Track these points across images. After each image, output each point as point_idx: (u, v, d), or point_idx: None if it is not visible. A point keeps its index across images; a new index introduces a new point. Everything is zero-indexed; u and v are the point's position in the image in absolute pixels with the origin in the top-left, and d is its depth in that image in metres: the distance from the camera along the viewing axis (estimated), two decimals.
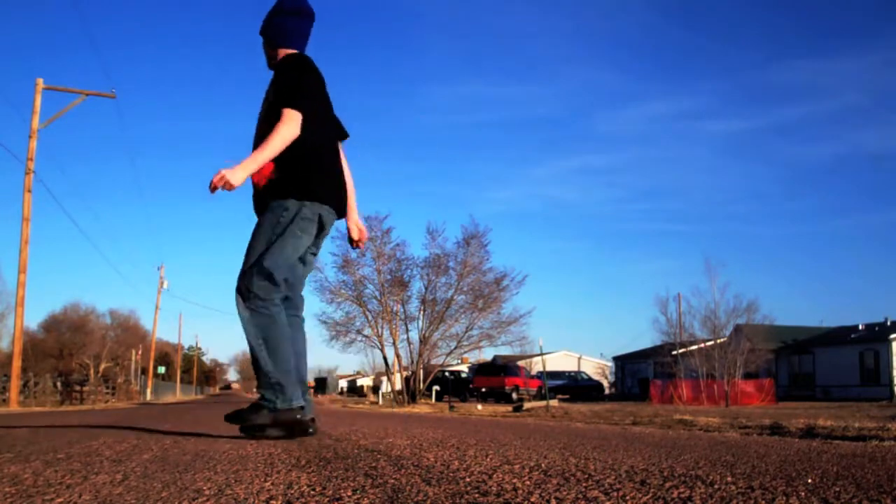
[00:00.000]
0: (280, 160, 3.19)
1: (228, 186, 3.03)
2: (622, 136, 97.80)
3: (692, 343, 33.04)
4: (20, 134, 41.04)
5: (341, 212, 3.45)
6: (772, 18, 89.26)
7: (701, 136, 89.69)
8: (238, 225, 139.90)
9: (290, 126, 3.14)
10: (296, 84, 3.23)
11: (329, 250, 24.46)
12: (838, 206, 79.38)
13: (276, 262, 3.17)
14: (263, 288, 3.17)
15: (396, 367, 26.17)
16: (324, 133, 3.37)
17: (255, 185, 3.32)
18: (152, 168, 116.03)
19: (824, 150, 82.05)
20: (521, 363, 39.30)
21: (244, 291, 3.19)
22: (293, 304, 3.40)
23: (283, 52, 3.44)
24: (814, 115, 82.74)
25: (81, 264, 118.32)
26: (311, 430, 3.28)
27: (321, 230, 3.35)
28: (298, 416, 3.21)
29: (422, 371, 24.96)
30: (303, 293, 3.51)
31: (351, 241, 3.75)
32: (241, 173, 3.06)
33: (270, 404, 3.17)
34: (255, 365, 3.22)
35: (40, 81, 21.15)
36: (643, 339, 77.64)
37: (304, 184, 3.23)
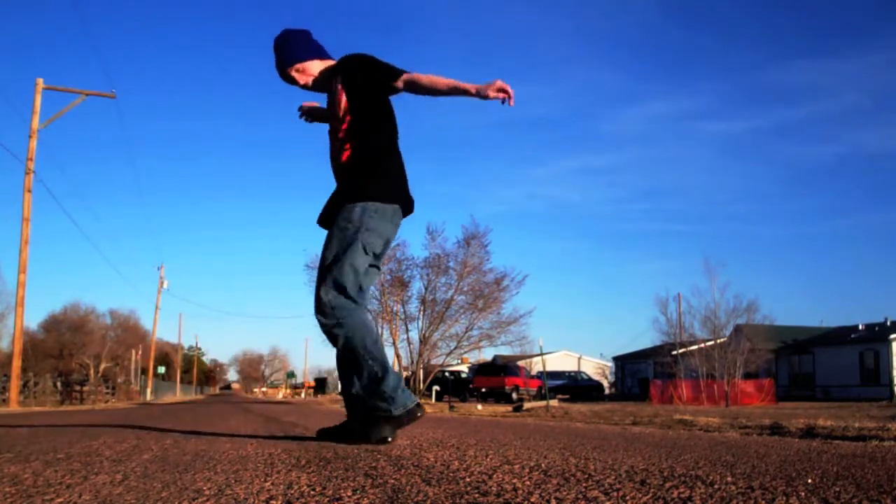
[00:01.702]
0: (358, 160, 3.13)
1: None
2: (623, 137, 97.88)
3: (692, 343, 33.04)
4: (20, 134, 41.00)
5: (409, 209, 3.31)
6: (772, 18, 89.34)
7: (701, 137, 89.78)
8: (238, 225, 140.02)
9: (429, 76, 3.05)
10: (380, 62, 3.14)
11: None
12: (838, 206, 79.48)
13: (354, 267, 3.05)
14: (341, 298, 3.04)
15: (396, 368, 26.17)
16: (393, 127, 3.27)
17: (339, 163, 3.22)
18: (152, 168, 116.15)
19: (824, 151, 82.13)
20: (521, 363, 39.29)
21: (326, 304, 3.03)
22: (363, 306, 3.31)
23: (322, 63, 3.32)
24: (814, 116, 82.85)
25: (81, 264, 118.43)
26: (419, 414, 3.10)
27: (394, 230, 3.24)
28: (419, 414, 3.07)
29: (422, 371, 24.97)
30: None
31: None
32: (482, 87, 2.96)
33: (387, 414, 3.01)
34: (363, 377, 3.04)
35: (40, 81, 21.16)
36: (643, 339, 77.66)
37: (382, 185, 3.12)
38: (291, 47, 3.31)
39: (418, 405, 3.07)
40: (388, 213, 3.13)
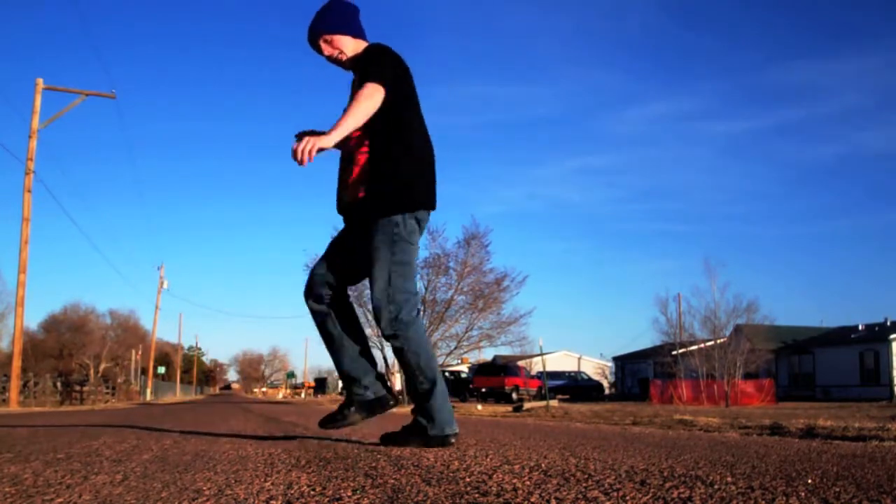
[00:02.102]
0: (385, 169, 3.03)
1: (314, 152, 2.81)
2: (623, 137, 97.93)
3: (692, 343, 33.04)
4: (20, 134, 41.03)
5: (434, 205, 3.23)
6: (773, 19, 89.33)
7: (702, 137, 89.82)
8: (238, 225, 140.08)
9: (374, 97, 2.92)
10: (379, 62, 3.04)
11: None
12: (838, 206, 79.46)
13: (404, 287, 3.04)
14: (399, 316, 3.02)
15: (396, 368, 26.17)
16: (423, 128, 3.18)
17: (347, 189, 3.15)
18: (152, 168, 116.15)
19: (825, 151, 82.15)
20: (521, 363, 39.28)
21: (388, 327, 3.02)
22: None
23: (355, 42, 3.21)
24: (815, 116, 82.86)
25: (81, 264, 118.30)
26: (452, 441, 3.09)
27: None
28: (452, 442, 3.06)
29: None
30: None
31: None
32: (332, 138, 2.85)
33: (422, 430, 3.03)
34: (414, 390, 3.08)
35: (40, 81, 21.16)
36: (643, 339, 77.70)
37: (414, 194, 3.06)
38: (330, 16, 3.20)
39: (454, 434, 3.07)
40: (422, 220, 3.11)
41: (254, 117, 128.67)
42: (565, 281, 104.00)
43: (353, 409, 3.17)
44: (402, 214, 3.01)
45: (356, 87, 3.12)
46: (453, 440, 3.06)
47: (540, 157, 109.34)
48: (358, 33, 3.22)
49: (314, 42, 3.20)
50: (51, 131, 29.38)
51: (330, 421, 3.21)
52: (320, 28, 3.17)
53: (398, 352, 3.05)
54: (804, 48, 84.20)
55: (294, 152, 2.81)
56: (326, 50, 3.18)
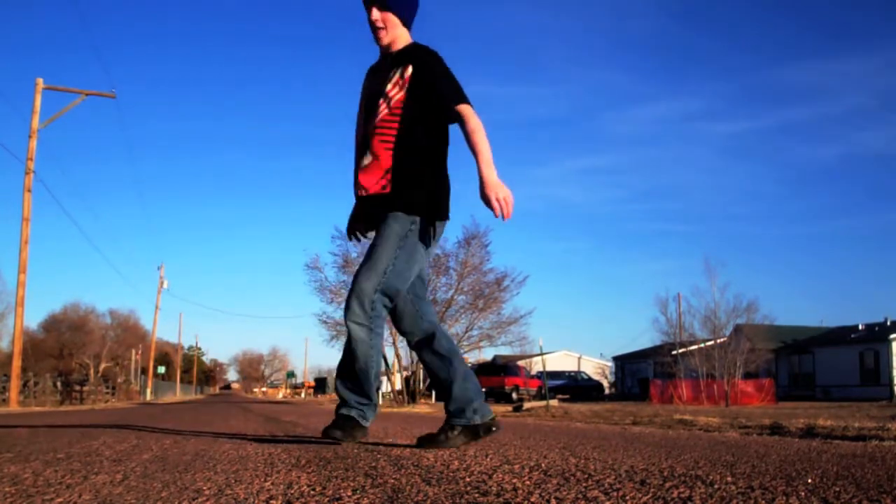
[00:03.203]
0: (410, 171, 2.99)
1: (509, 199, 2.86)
2: (625, 137, 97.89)
3: (692, 343, 33.04)
4: (20, 134, 41.02)
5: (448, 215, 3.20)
6: (774, 20, 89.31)
7: (703, 137, 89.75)
8: (238, 225, 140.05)
9: (480, 121, 2.92)
10: (452, 78, 3.00)
11: (329, 250, 24.43)
12: (839, 206, 79.43)
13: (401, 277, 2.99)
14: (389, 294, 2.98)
15: (396, 368, 26.17)
16: (445, 140, 3.15)
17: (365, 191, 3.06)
18: (152, 168, 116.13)
19: (825, 151, 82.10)
20: (521, 363, 39.28)
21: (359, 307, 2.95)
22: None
23: (401, 29, 3.10)
24: (816, 116, 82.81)
25: (81, 264, 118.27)
26: (494, 429, 3.07)
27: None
28: (493, 430, 3.06)
29: (422, 371, 24.93)
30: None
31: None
32: (494, 174, 2.86)
33: (463, 421, 3.01)
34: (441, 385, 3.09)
35: (40, 81, 21.16)
36: (643, 339, 77.68)
37: (434, 202, 3.03)
38: (415, 5, 3.17)
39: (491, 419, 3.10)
40: (441, 228, 3.10)
41: (254, 117, 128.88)
42: (565, 281, 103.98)
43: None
44: (422, 217, 2.96)
45: (387, 81, 3.03)
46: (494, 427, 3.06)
47: (541, 157, 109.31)
48: (407, 22, 3.13)
49: (369, 3, 3.09)
50: (51, 131, 29.38)
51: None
52: (384, 3, 3.06)
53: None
54: (805, 49, 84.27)
55: (494, 208, 2.83)
56: (374, 15, 3.06)
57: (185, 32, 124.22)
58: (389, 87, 3.01)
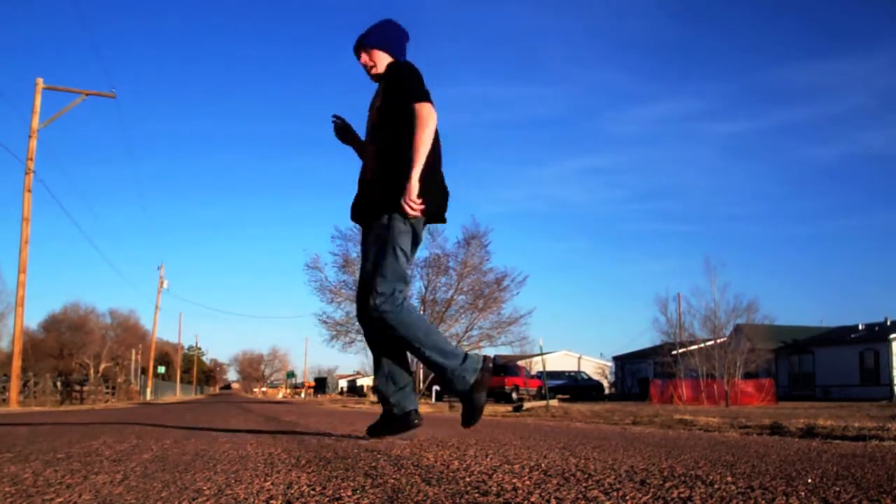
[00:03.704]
0: (385, 168, 3.25)
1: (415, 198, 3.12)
2: (625, 137, 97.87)
3: (692, 343, 33.03)
4: (20, 134, 40.97)
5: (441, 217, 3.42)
6: (776, 19, 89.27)
7: (703, 137, 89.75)
8: (238, 225, 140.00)
9: (431, 116, 3.16)
10: (414, 80, 3.26)
11: (329, 250, 24.42)
12: (839, 206, 79.49)
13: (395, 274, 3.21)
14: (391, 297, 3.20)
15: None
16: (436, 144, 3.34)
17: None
18: (152, 168, 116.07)
19: (826, 151, 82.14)
20: (521, 363, 39.28)
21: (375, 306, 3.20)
22: None
23: (388, 58, 3.47)
24: (817, 117, 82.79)
25: (81, 264, 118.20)
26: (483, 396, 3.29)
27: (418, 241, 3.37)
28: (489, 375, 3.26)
29: (422, 371, 24.94)
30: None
31: None
32: (414, 175, 3.11)
33: (467, 375, 3.19)
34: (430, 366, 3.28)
35: (40, 81, 21.15)
36: (643, 339, 77.56)
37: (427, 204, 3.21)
38: (378, 32, 3.50)
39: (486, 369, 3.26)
40: (420, 224, 3.27)
41: (254, 117, 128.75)
42: (565, 281, 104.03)
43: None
44: (403, 216, 3.17)
45: (378, 97, 3.41)
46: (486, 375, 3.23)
47: (541, 157, 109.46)
48: (397, 55, 3.50)
49: (357, 49, 3.52)
50: (51, 131, 29.38)
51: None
52: (366, 41, 3.49)
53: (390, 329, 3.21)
54: (806, 48, 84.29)
55: (404, 209, 3.13)
56: (363, 59, 3.49)
57: (185, 32, 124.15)
58: (376, 99, 3.42)
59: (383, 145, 3.28)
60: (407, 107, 3.19)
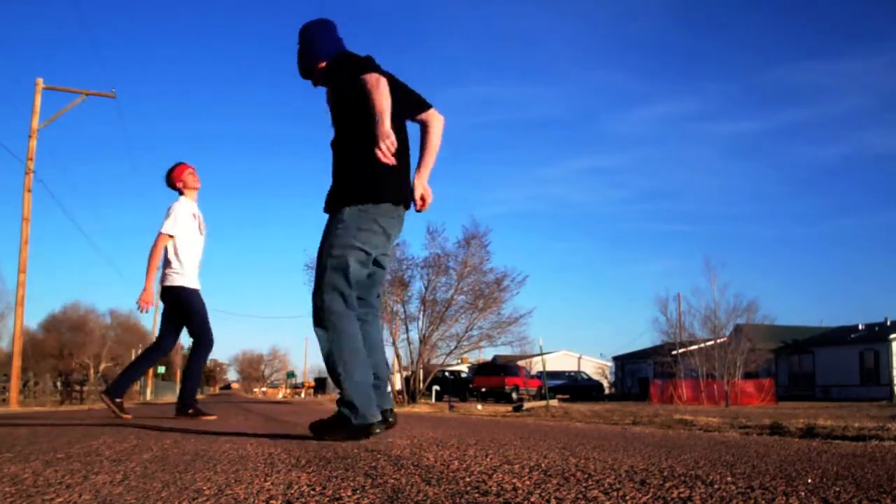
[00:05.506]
0: (342, 161, 3.31)
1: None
2: (627, 137, 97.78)
3: (692, 343, 33.05)
4: (20, 134, 41.02)
5: (407, 202, 3.37)
6: (777, 19, 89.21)
7: (704, 137, 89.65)
8: (238, 225, 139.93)
9: (380, 80, 3.07)
10: (353, 58, 3.25)
11: None
12: (839, 206, 79.47)
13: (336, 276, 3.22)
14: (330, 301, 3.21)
15: (396, 367, 26.14)
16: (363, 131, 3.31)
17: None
18: (152, 168, 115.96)
19: (827, 152, 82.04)
20: (521, 363, 39.26)
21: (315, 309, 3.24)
22: (368, 303, 3.53)
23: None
24: (818, 117, 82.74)
25: (81, 264, 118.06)
26: (377, 431, 3.23)
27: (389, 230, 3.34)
28: (377, 431, 3.20)
29: (422, 371, 24.92)
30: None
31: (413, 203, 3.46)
32: (385, 129, 3.03)
33: (346, 420, 3.20)
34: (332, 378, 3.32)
35: (40, 81, 21.12)
36: (643, 339, 77.76)
37: (364, 187, 3.23)
38: (308, 49, 3.48)
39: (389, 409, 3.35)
40: (380, 211, 3.22)
41: (254, 117, 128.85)
42: (565, 281, 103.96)
43: None
44: (361, 204, 3.19)
45: (331, 96, 3.38)
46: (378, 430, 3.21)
47: (542, 157, 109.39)
48: (332, 51, 3.44)
49: (310, 78, 3.51)
50: (51, 131, 29.42)
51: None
52: (309, 64, 3.47)
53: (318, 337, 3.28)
54: (807, 49, 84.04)
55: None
56: (317, 83, 3.50)
57: (185, 32, 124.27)
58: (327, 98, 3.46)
59: (335, 139, 3.34)
60: (355, 87, 3.13)
